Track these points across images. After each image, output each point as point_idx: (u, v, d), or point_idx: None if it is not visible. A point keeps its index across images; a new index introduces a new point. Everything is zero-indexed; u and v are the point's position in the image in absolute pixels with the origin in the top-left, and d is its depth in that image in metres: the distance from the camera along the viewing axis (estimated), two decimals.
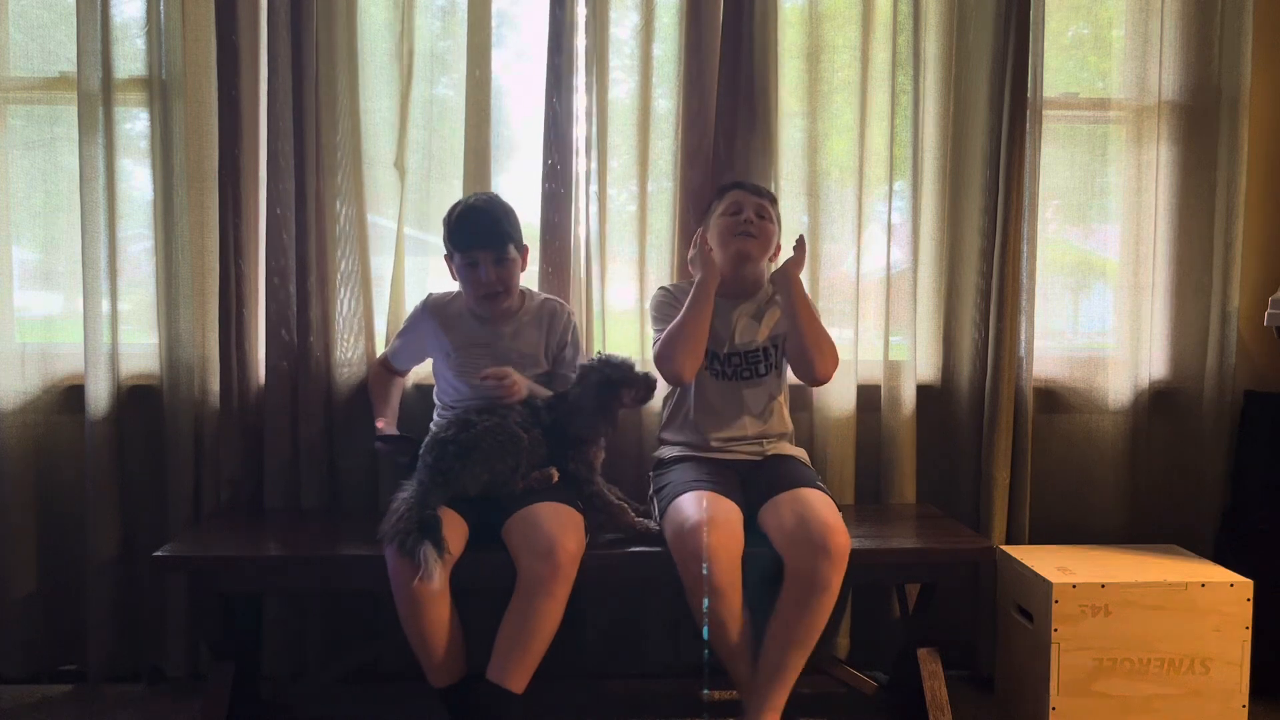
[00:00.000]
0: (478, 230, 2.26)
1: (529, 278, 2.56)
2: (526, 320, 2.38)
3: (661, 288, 2.48)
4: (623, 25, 2.63)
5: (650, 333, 2.46)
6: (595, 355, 2.27)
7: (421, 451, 2.13)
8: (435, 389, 2.43)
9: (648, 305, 2.51)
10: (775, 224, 2.42)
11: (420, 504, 2.01)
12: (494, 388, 2.20)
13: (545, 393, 2.30)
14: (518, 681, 2.01)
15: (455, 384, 2.36)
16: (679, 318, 2.29)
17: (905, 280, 2.64)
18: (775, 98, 2.58)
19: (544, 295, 2.47)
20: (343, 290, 2.54)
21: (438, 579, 1.92)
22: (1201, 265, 2.69)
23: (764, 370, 2.40)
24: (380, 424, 2.37)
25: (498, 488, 2.11)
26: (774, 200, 2.44)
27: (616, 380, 2.19)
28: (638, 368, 2.24)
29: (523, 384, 2.26)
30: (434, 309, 2.40)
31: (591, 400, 2.18)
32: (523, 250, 2.36)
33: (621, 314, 2.67)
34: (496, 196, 2.34)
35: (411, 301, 2.60)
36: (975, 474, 2.65)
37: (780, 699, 2.07)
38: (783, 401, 2.45)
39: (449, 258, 2.35)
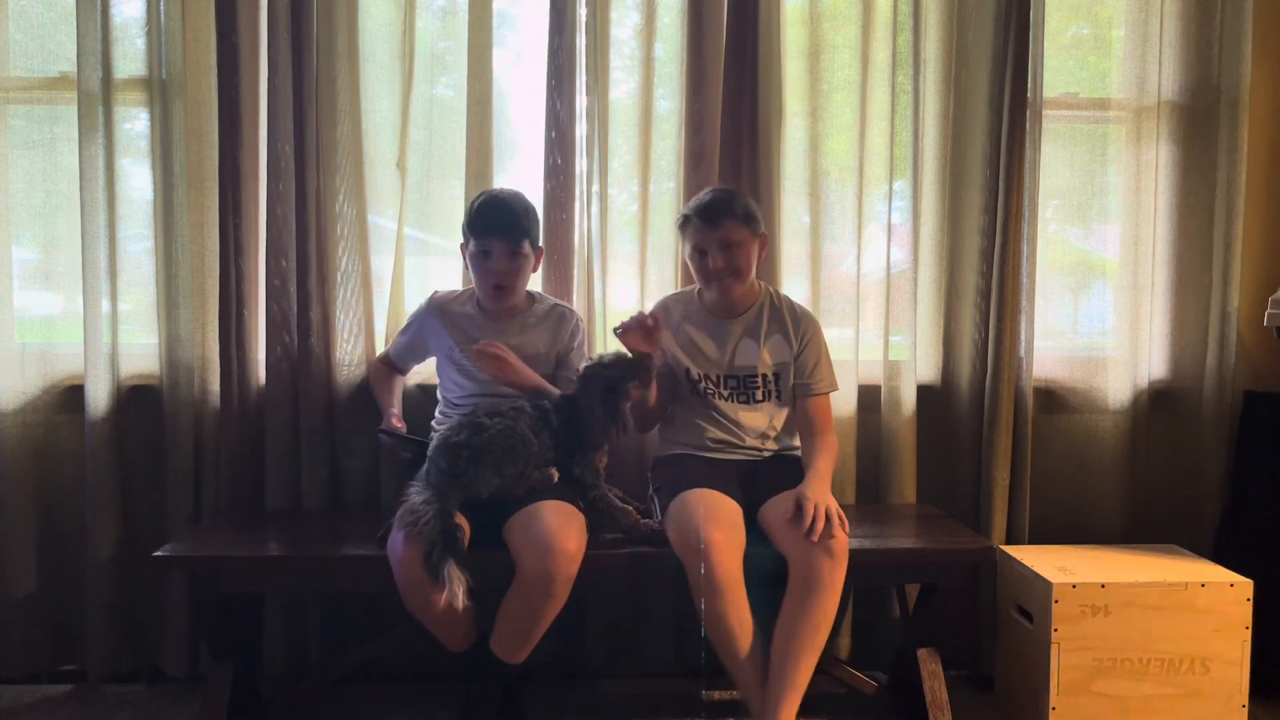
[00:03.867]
0: (496, 219, 2.27)
1: (533, 279, 2.56)
2: (533, 323, 2.38)
3: (660, 301, 2.46)
4: (623, 25, 2.63)
5: None
6: (587, 360, 2.26)
7: (431, 454, 2.11)
8: (439, 387, 2.43)
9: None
10: (749, 234, 2.29)
11: (444, 512, 1.99)
12: (487, 365, 2.22)
13: (552, 390, 2.30)
14: (518, 658, 2.07)
15: (460, 381, 2.36)
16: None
17: (905, 280, 2.64)
18: (778, 98, 2.58)
19: (554, 300, 2.47)
20: (343, 290, 2.54)
21: (461, 599, 1.91)
22: (1201, 265, 2.69)
23: (761, 397, 2.37)
24: (394, 412, 2.39)
25: (507, 490, 2.11)
26: (735, 212, 2.25)
27: (619, 378, 2.18)
28: (629, 355, 2.22)
29: (519, 370, 2.26)
30: (438, 307, 2.40)
31: (600, 405, 2.17)
32: (537, 250, 2.38)
33: (623, 313, 2.66)
34: (522, 194, 2.35)
35: (411, 302, 2.61)
36: (975, 474, 2.65)
37: (790, 705, 2.01)
38: (780, 423, 2.42)
39: (464, 246, 2.36)
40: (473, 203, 2.33)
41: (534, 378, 2.30)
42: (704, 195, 2.33)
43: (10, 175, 2.58)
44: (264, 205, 2.51)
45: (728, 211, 2.26)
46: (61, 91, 2.55)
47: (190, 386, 2.54)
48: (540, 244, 2.41)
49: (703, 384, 2.37)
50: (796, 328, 2.38)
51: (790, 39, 2.61)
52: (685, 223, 2.32)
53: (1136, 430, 2.71)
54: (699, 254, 2.31)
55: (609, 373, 2.19)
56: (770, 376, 2.37)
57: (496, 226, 2.27)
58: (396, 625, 2.40)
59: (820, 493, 2.11)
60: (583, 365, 2.26)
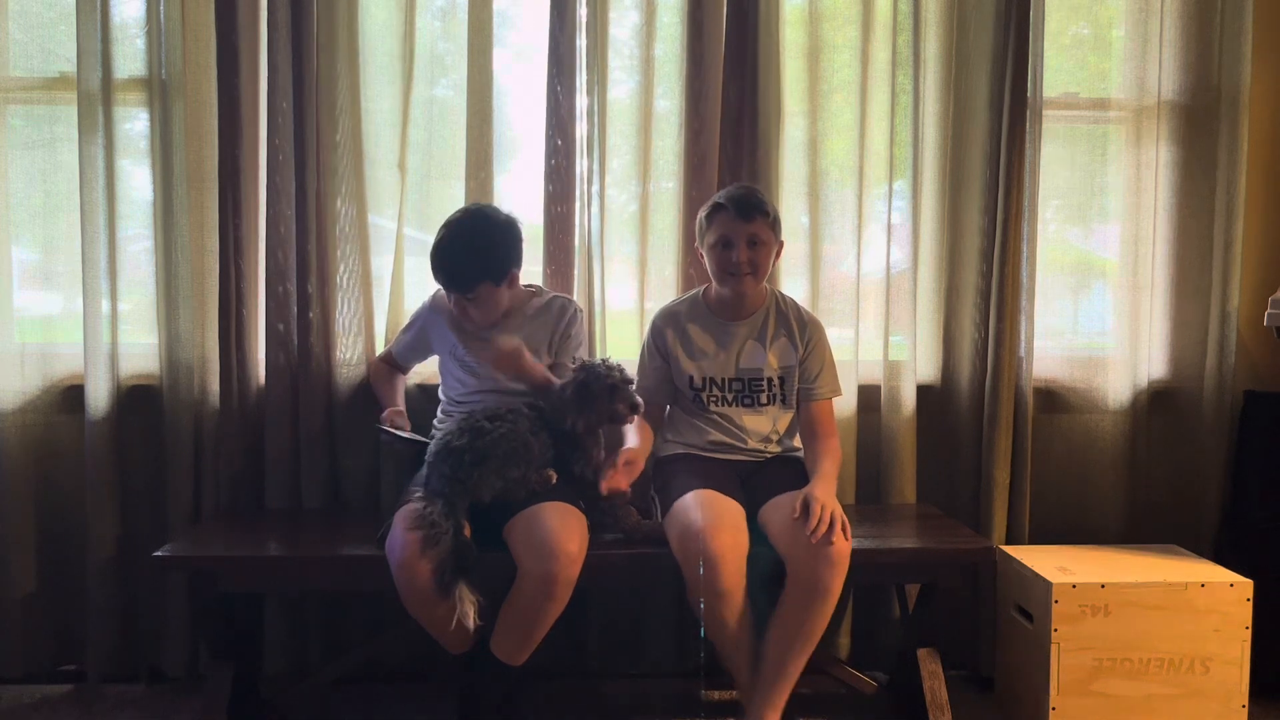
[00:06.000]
0: (442, 271, 2.24)
1: (532, 277, 2.56)
2: (532, 315, 2.37)
3: (663, 310, 2.43)
4: (623, 25, 2.63)
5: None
6: (598, 359, 2.23)
7: (432, 459, 2.11)
8: (441, 385, 2.43)
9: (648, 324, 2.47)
10: (773, 237, 2.29)
11: (457, 529, 1.98)
12: (503, 361, 2.19)
13: (556, 383, 2.28)
14: (519, 659, 2.07)
15: (463, 379, 2.35)
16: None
17: (905, 280, 2.64)
18: (778, 98, 2.58)
19: (554, 293, 2.46)
20: (343, 290, 2.54)
21: (471, 619, 1.93)
22: (1201, 265, 2.69)
23: (765, 400, 2.37)
24: (389, 412, 2.37)
25: (509, 493, 2.10)
26: (767, 213, 2.26)
27: (594, 392, 2.15)
28: (620, 384, 2.17)
29: (533, 366, 2.25)
30: (440, 306, 2.40)
31: (571, 395, 2.16)
32: (506, 276, 2.27)
33: (622, 313, 2.67)
34: (481, 220, 2.25)
35: (411, 302, 2.61)
36: (975, 474, 2.65)
37: (780, 699, 2.08)
38: (783, 426, 2.41)
39: None
40: (433, 241, 2.25)
41: (543, 373, 2.28)
42: (737, 189, 2.30)
43: (10, 175, 2.58)
44: (264, 205, 2.51)
45: (761, 209, 2.25)
46: (61, 91, 2.55)
47: (190, 386, 2.54)
48: (512, 267, 2.28)
49: (706, 392, 2.37)
50: (803, 332, 2.37)
51: (790, 39, 2.61)
52: (715, 211, 2.27)
53: (1136, 430, 2.70)
54: (723, 246, 2.27)
55: (592, 382, 2.15)
56: (775, 380, 2.36)
57: (444, 278, 2.25)
58: (396, 625, 2.40)
59: (827, 496, 2.11)
60: (581, 375, 2.20)
